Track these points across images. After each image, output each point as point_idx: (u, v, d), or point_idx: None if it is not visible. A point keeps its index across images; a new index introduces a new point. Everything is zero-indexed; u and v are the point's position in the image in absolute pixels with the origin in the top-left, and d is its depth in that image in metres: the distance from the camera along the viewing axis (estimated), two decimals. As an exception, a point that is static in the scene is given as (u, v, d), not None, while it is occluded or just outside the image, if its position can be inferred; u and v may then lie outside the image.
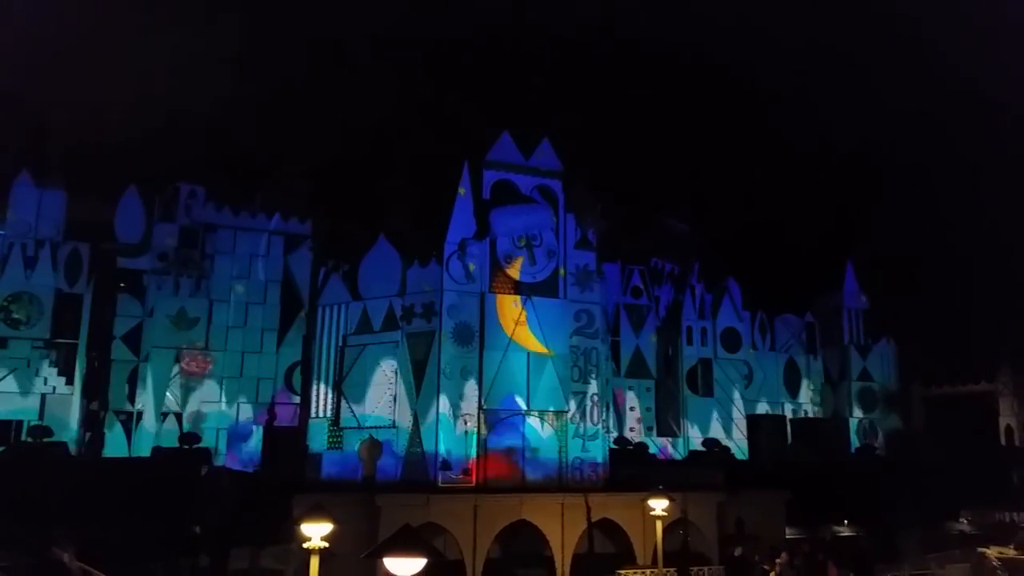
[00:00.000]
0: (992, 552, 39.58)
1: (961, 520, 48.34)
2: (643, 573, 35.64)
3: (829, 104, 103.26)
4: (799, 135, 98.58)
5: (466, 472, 37.91)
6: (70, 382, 50.75)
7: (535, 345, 40.60)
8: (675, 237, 72.19)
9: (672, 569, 34.99)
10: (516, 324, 40.23)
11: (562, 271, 42.02)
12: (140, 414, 51.34)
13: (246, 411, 53.24)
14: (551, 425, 40.14)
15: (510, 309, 40.52)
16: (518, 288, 41.14)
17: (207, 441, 49.73)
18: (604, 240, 50.33)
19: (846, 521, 45.34)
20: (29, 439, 45.65)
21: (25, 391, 49.26)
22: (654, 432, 62.95)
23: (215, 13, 75.64)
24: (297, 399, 52.97)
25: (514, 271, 41.28)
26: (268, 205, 57.10)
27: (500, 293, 40.71)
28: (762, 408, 66.31)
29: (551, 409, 40.36)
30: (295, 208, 57.44)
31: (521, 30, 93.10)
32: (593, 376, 41.65)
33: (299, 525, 17.99)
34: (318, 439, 42.00)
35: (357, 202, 53.71)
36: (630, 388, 63.04)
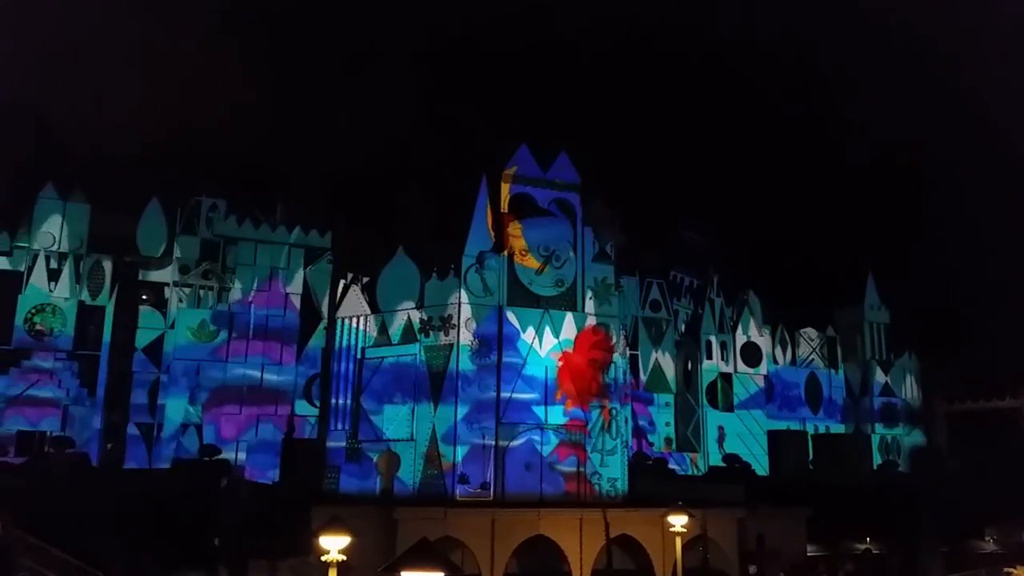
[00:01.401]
0: (1018, 572, 38.96)
1: (986, 538, 47.58)
2: (662, 590, 35.33)
3: (851, 116, 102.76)
4: (820, 147, 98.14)
5: (484, 486, 37.80)
6: (92, 393, 51.25)
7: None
8: (694, 250, 71.93)
9: (692, 586, 34.65)
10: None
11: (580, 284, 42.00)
12: (161, 426, 51.65)
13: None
14: (570, 439, 39.94)
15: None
16: (536, 301, 41.11)
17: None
18: (622, 253, 50.18)
19: (868, 539, 44.74)
20: (51, 450, 46.05)
21: (47, 402, 49.74)
22: (673, 447, 62.53)
23: (236, 29, 76.55)
24: (316, 411, 53.10)
25: (532, 284, 41.26)
26: (288, 218, 57.53)
27: (518, 306, 40.70)
28: (783, 423, 65.76)
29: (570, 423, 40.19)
30: (315, 221, 57.80)
31: (541, 44, 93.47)
32: (611, 390, 41.45)
33: (317, 538, 18.04)
34: (336, 452, 42.03)
35: (376, 215, 54.00)
36: (649, 403, 62.72)
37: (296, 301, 56.01)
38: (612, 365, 41.58)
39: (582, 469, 39.77)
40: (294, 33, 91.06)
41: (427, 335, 40.64)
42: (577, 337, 41.14)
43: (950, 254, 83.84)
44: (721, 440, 61.59)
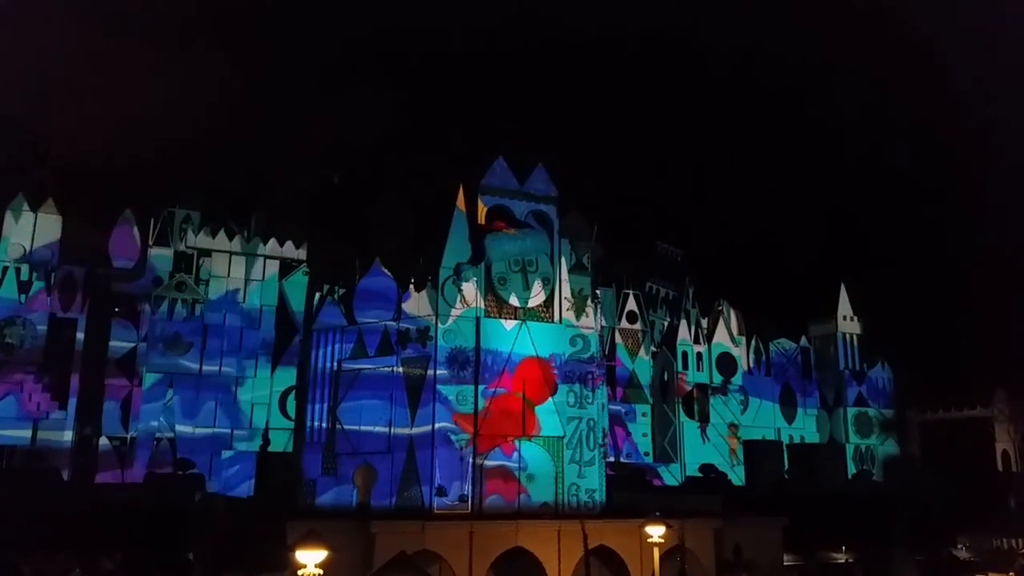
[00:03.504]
0: (990, 579, 39.37)
1: (959, 547, 48.11)
2: (640, 601, 35.26)
3: (825, 131, 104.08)
4: (794, 162, 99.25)
5: (462, 498, 37.62)
6: (63, 407, 50.43)
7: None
8: (670, 262, 72.44)
9: (669, 597, 34.66)
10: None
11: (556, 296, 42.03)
12: (133, 439, 50.99)
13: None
14: (548, 451, 39.89)
15: None
16: (513, 313, 41.10)
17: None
18: (599, 265, 50.36)
19: (843, 548, 45.07)
20: (20, 464, 45.29)
21: (17, 416, 48.94)
22: (651, 457, 62.73)
23: (212, 41, 76.18)
24: (291, 424, 52.66)
25: (509, 296, 41.24)
26: (263, 230, 57.16)
27: (495, 318, 40.67)
28: (758, 434, 66.16)
29: (548, 434, 40.14)
30: (290, 233, 57.47)
31: (518, 57, 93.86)
32: (589, 401, 41.47)
33: (293, 552, 17.86)
34: (312, 465, 41.62)
35: (353, 227, 53.82)
36: (626, 413, 62.90)
37: (271, 313, 55.65)
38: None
39: (559, 480, 39.70)
40: (270, 45, 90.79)
41: (404, 347, 40.46)
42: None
43: (922, 267, 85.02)
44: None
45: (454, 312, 39.94)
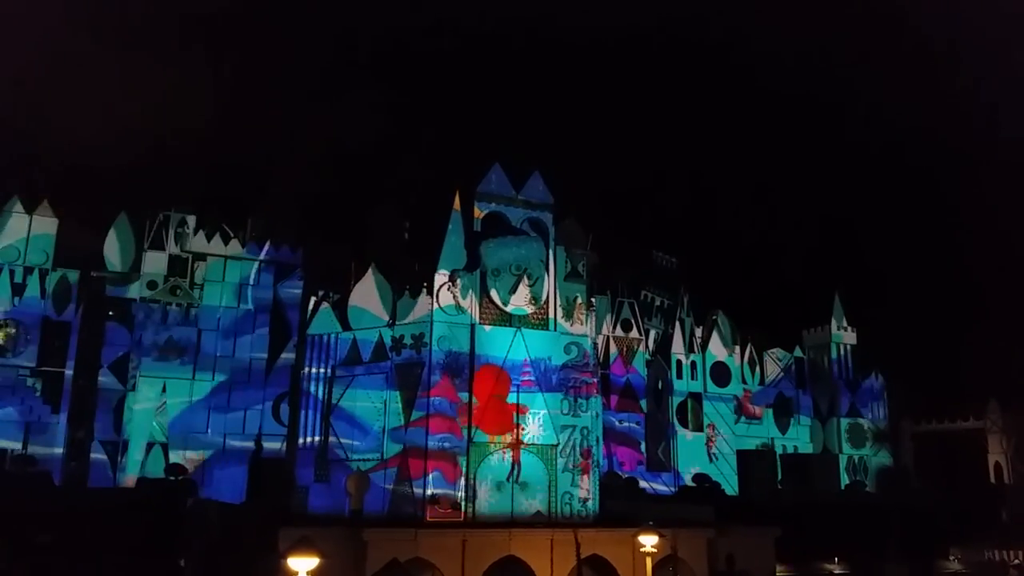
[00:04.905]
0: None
1: (951, 558, 48.18)
2: (632, 610, 35.17)
3: (822, 138, 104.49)
4: (790, 171, 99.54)
5: (455, 506, 37.54)
6: (56, 410, 50.27)
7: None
8: (666, 271, 72.53)
9: (662, 606, 34.57)
10: None
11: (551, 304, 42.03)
12: (126, 444, 50.80)
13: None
14: (541, 459, 39.85)
15: None
16: (508, 320, 41.09)
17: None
18: (594, 273, 50.38)
19: (836, 558, 45.09)
20: (12, 468, 45.10)
21: (10, 419, 48.75)
22: (644, 467, 62.67)
23: (208, 45, 76.31)
24: (284, 430, 52.51)
25: (504, 303, 41.23)
26: (259, 234, 57.07)
27: (490, 324, 40.66)
28: (752, 443, 66.17)
29: (541, 442, 40.10)
30: (286, 238, 57.40)
31: (515, 65, 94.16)
32: (583, 410, 41.43)
33: (285, 559, 17.78)
34: (305, 471, 41.53)
35: (348, 232, 53.82)
36: (621, 422, 62.84)
37: (265, 318, 55.50)
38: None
39: (552, 489, 39.65)
40: (267, 51, 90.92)
41: (399, 353, 40.42)
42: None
43: (917, 277, 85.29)
44: None
45: (449, 319, 39.91)
